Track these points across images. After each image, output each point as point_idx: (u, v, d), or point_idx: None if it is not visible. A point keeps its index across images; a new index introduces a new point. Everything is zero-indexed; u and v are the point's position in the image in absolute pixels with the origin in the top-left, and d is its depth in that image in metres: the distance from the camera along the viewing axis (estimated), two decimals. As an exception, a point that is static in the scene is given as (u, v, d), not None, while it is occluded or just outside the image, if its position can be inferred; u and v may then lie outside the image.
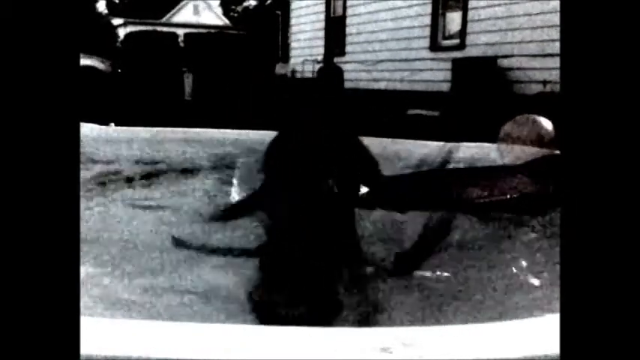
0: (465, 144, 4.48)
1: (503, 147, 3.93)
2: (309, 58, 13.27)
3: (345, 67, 11.93)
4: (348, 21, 13.12)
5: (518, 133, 3.93)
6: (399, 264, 2.34)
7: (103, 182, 3.93)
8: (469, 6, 9.98)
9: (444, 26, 10.83)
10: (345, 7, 13.28)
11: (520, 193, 3.18)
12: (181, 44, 17.87)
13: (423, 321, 1.93)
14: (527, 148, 3.82)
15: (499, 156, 3.90)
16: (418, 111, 9.45)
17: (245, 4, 30.76)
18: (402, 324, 1.88)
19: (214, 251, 2.40)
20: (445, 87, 9.78)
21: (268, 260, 2.17)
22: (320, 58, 12.78)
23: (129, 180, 4.08)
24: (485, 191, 3.25)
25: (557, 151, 3.66)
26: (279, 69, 15.91)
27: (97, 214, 3.09)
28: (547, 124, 3.88)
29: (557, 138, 3.74)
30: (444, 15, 10.81)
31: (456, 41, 10.39)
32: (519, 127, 3.96)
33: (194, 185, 4.00)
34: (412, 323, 1.86)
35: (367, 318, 1.98)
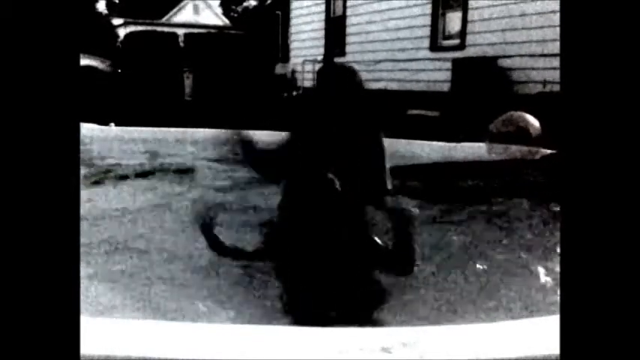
0: (465, 144, 4.48)
1: (491, 144, 3.96)
2: (309, 58, 13.24)
3: (344, 67, 11.89)
4: (348, 21, 13.09)
5: (505, 131, 3.97)
6: None
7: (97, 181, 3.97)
8: (469, 6, 9.95)
9: (444, 26, 10.80)
10: (345, 7, 13.25)
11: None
12: (181, 44, 17.84)
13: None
14: (514, 145, 3.88)
15: (488, 153, 3.94)
16: (418, 111, 9.44)
17: (245, 4, 30.71)
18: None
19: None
20: (445, 87, 9.76)
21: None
22: (320, 58, 12.76)
23: (124, 177, 4.11)
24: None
25: (543, 148, 3.73)
26: (279, 69, 15.89)
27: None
28: (533, 121, 3.92)
29: (543, 135, 3.80)
30: (444, 15, 10.79)
31: (456, 41, 10.36)
32: (507, 125, 4.01)
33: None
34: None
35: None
